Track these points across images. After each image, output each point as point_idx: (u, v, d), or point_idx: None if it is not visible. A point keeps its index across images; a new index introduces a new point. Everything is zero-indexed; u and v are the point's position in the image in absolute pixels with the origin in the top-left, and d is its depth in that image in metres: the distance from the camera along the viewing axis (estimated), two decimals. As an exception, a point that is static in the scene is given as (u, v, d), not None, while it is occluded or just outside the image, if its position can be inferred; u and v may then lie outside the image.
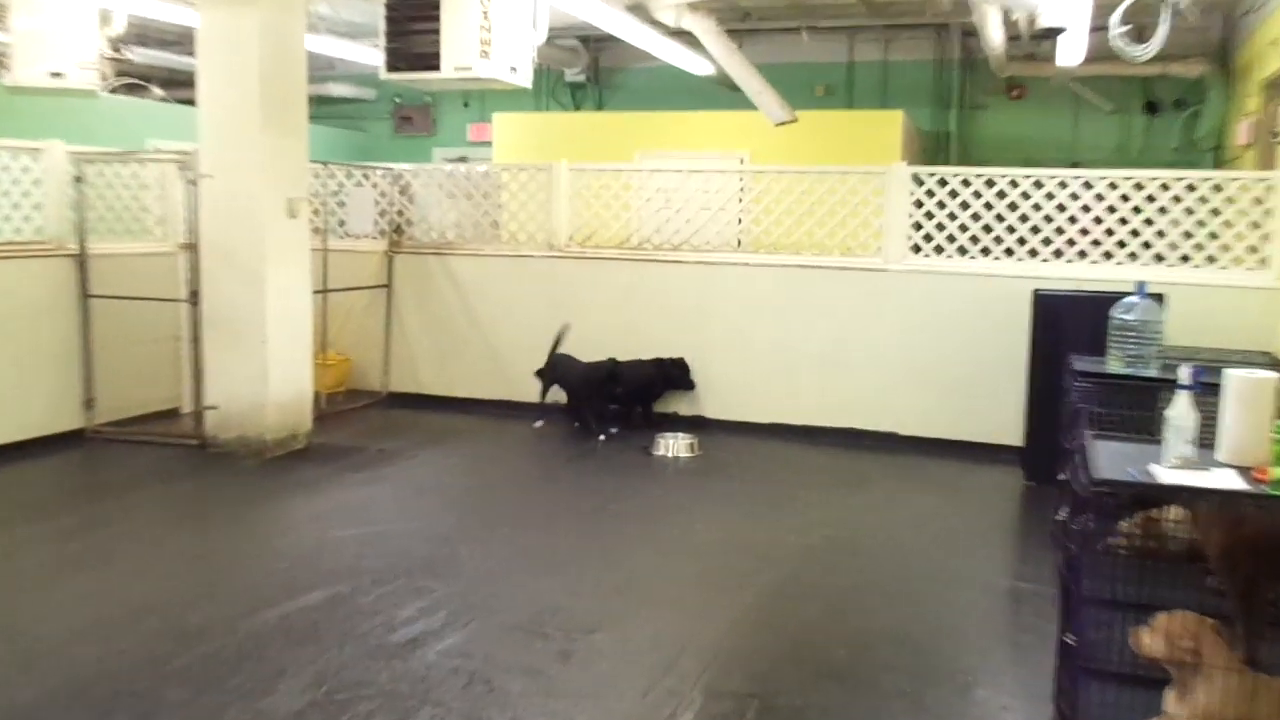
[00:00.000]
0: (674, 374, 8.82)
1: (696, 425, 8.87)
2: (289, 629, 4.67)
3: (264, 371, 7.74)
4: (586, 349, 9.15)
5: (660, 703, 4.11)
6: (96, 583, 5.25)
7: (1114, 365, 5.48)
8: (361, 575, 5.35)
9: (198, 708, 3.96)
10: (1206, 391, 3.46)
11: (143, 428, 8.33)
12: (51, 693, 4.06)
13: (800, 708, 4.12)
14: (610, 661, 4.47)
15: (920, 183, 8.50)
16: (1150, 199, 7.93)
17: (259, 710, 3.95)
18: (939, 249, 8.50)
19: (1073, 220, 8.10)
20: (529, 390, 9.28)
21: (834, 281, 8.66)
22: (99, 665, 4.28)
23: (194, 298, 7.88)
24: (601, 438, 8.32)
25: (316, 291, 8.73)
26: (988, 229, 8.35)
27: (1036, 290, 7.55)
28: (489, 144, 13.39)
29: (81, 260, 8.18)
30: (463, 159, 14.41)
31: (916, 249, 8.57)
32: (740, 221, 9.22)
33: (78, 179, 8.20)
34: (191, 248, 7.87)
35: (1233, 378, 3.40)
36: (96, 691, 4.06)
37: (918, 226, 8.53)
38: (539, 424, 8.67)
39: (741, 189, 9.23)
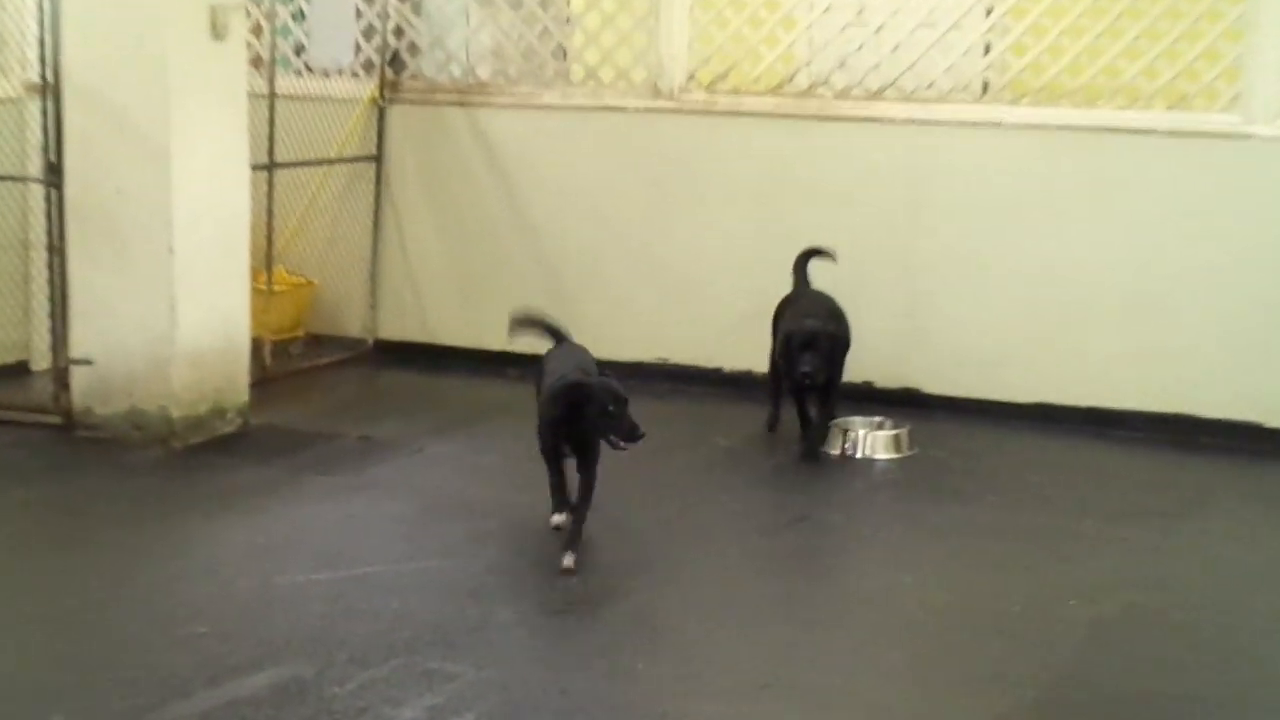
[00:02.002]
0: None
1: (906, 404, 8.88)
2: (213, 736, 4.78)
3: (169, 303, 7.88)
4: (698, 284, 9.16)
5: None
6: (-108, 655, 5.43)
7: None
8: (333, 649, 5.42)
9: None
10: None
11: (-31, 394, 8.57)
12: None
13: None
14: (752, 806, 4.51)
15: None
16: None
17: None
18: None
19: None
20: (615, 345, 9.30)
21: (1153, 157, 8.54)
22: (-96, 787, 4.44)
23: (53, 175, 8.03)
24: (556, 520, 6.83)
25: (257, 168, 8.89)
26: None
27: None
28: (551, -88, 13.37)
29: None
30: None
31: (1307, 99, 8.39)
32: (988, 50, 9.12)
33: None
34: (49, 90, 8.00)
35: None
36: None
37: (1309, 58, 8.34)
38: (558, 519, 6.83)
39: (992, -7, 9.14)
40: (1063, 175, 8.74)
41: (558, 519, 6.74)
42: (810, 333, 7.99)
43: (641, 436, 6.39)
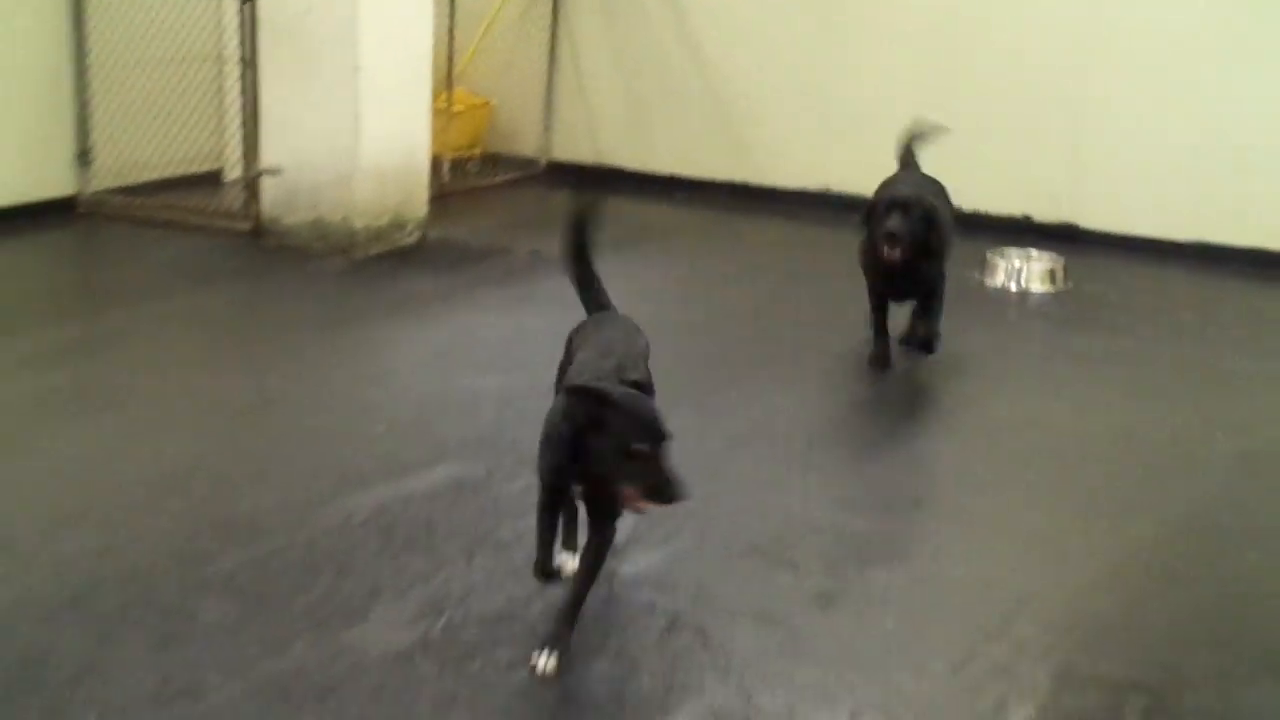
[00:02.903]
0: None
1: (1062, 239, 8.75)
2: (388, 527, 4.87)
3: (354, 119, 7.96)
4: (863, 116, 9.06)
5: (980, 685, 4.13)
6: (96, 438, 5.59)
7: None
8: (503, 450, 5.52)
9: (248, 635, 4.19)
10: None
11: (165, 200, 8.73)
12: (32, 601, 4.36)
13: (1219, 714, 4.08)
14: (898, 614, 4.51)
15: None
16: None
17: (343, 646, 4.15)
18: None
19: None
20: (780, 173, 9.28)
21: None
22: (101, 564, 4.56)
23: (247, -8, 8.12)
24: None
25: (439, -11, 8.90)
26: None
27: None
28: None
29: (72, -71, 8.47)
30: None
31: None
32: None
33: None
34: (244, -93, 8.06)
35: None
36: (98, 602, 4.34)
37: None
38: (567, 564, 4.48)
39: None
40: (1240, 3, 8.50)
41: (567, 563, 4.39)
42: (901, 198, 6.42)
43: (676, 498, 3.91)
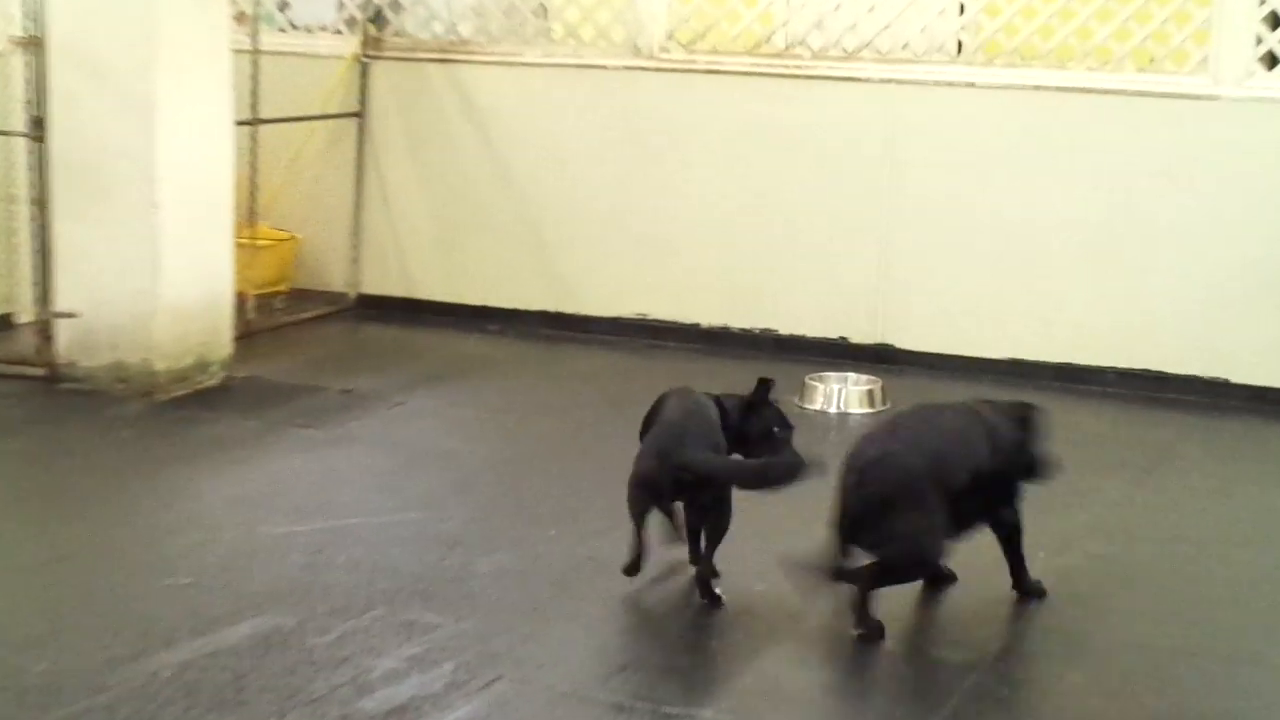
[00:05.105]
0: None
1: (879, 359, 8.86)
2: (194, 686, 4.74)
3: (153, 256, 7.85)
4: (676, 241, 9.15)
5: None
6: (-119, 600, 5.41)
7: None
8: (314, 600, 5.42)
9: (45, 811, 4.07)
10: None
11: (-46, 346, 8.54)
12: None
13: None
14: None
15: (1282, -55, 8.30)
16: None
17: (145, 819, 4.05)
18: (1310, 63, 8.32)
19: None
20: (595, 301, 9.30)
21: (1122, 117, 8.52)
22: (-114, 736, 4.41)
23: (37, 130, 7.98)
24: None
25: (241, 123, 8.84)
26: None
27: None
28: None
29: None
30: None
31: (1273, 61, 8.36)
32: (963, 10, 9.06)
33: None
34: (34, 45, 7.95)
35: None
36: (-118, 779, 4.20)
37: (1276, 22, 8.32)
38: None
39: (966, -48, 9.07)
40: (1032, 134, 8.74)
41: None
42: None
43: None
